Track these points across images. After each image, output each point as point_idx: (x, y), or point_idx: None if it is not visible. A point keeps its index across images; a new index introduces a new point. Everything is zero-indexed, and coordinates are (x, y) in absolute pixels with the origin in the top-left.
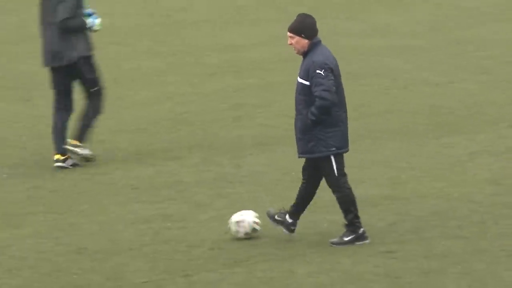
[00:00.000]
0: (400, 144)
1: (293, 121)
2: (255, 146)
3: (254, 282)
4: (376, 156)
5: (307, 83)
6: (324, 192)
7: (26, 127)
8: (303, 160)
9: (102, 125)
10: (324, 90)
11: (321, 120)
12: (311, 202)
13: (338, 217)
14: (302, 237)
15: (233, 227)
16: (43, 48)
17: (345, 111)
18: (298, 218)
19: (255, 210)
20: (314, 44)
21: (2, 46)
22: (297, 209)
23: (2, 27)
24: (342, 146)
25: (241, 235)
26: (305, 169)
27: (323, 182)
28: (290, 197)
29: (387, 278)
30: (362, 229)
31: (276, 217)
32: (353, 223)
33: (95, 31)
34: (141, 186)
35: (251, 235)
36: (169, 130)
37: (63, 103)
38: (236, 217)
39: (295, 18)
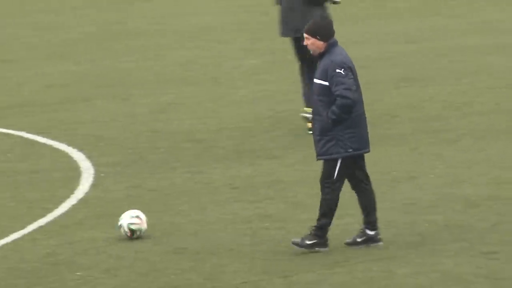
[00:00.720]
0: (504, 143)
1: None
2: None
3: (355, 283)
4: (479, 156)
5: (325, 83)
6: (422, 193)
7: (124, 126)
8: (405, 160)
9: (201, 123)
10: (345, 88)
11: (342, 120)
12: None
13: (438, 218)
14: (400, 238)
15: (122, 231)
16: (284, 19)
17: (364, 112)
18: (377, 227)
19: (351, 210)
20: (331, 45)
21: (98, 43)
22: (371, 218)
23: (98, 23)
24: (360, 147)
25: (129, 236)
26: (349, 176)
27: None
28: (389, 198)
29: (488, 280)
30: (326, 237)
31: (357, 239)
32: (322, 228)
33: (337, 3)
34: (240, 186)
35: (137, 235)
36: (269, 129)
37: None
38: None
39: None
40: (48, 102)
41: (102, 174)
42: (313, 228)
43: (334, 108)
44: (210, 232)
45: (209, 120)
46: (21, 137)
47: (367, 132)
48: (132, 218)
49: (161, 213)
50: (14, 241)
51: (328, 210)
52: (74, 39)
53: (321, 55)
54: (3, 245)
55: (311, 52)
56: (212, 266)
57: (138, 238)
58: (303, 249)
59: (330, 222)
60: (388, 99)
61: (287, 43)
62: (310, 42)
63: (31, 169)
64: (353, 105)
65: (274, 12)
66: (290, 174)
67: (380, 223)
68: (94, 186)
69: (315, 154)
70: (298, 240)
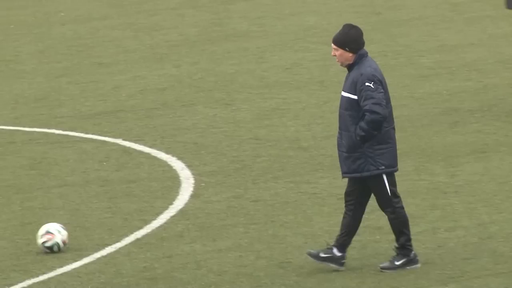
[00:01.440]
0: None
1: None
2: (471, 153)
3: None
4: None
5: (354, 97)
6: None
7: (226, 133)
8: None
9: (307, 130)
10: (375, 103)
11: (371, 136)
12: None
13: None
14: None
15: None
16: None
17: (394, 128)
18: (346, 251)
19: (464, 222)
20: (360, 56)
21: (198, 45)
22: (346, 241)
23: (197, 24)
24: (392, 164)
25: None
26: (350, 194)
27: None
28: (509, 209)
29: None
30: (413, 252)
31: (321, 254)
32: (404, 246)
33: None
34: None
35: (59, 249)
36: None
37: None
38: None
39: (340, 28)
40: (145, 107)
41: (203, 184)
42: (396, 248)
43: (362, 124)
44: (317, 245)
45: (315, 126)
46: (117, 145)
47: (396, 149)
48: (42, 237)
49: (265, 225)
50: (110, 254)
51: (401, 227)
52: (172, 41)
53: (350, 66)
54: (98, 259)
55: (339, 64)
56: (319, 281)
57: (64, 251)
58: (416, 264)
59: (409, 237)
60: None
61: (399, 46)
62: (338, 53)
63: (128, 178)
64: (383, 121)
65: (387, 13)
66: (402, 184)
67: (499, 236)
68: (194, 196)
69: (412, 165)
70: (386, 264)
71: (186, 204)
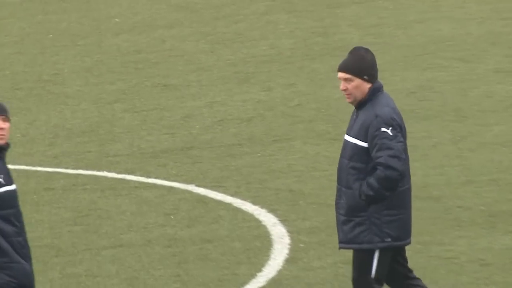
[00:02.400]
0: None
1: None
2: None
3: None
4: None
5: (363, 144)
6: None
7: (331, 177)
8: None
9: (438, 174)
10: (392, 156)
11: (382, 198)
12: None
13: None
14: None
15: None
16: None
17: (410, 188)
18: None
19: None
20: (375, 91)
21: (295, 62)
22: None
23: (294, 34)
24: (401, 236)
25: None
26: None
27: None
28: None
29: None
30: None
31: None
32: None
33: None
34: (493, 262)
35: None
36: None
37: None
38: None
39: (348, 54)
40: (225, 142)
41: (302, 245)
42: None
43: (372, 180)
44: None
45: (449, 169)
46: (189, 193)
47: (411, 216)
48: None
49: None
50: None
51: None
52: (261, 56)
53: (361, 104)
54: None
55: (349, 99)
56: None
57: None
58: None
59: None
60: None
61: None
62: (352, 85)
63: (202, 237)
64: (400, 179)
65: None
66: None
67: None
68: (289, 261)
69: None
70: None
71: (280, 272)
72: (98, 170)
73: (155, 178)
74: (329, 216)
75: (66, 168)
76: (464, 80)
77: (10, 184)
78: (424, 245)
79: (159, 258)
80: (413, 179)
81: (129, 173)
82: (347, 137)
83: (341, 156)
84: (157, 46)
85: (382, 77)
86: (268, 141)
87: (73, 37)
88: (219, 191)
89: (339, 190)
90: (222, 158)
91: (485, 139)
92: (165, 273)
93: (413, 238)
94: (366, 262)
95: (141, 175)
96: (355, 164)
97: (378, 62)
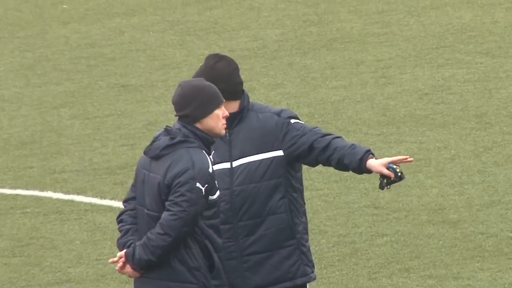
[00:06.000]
0: None
1: None
2: None
3: None
4: None
5: (276, 154)
6: None
7: (324, 198)
8: None
9: (456, 195)
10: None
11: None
12: None
13: None
14: None
15: None
16: None
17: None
18: None
19: None
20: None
21: (280, 57)
22: None
23: (280, 24)
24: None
25: None
26: None
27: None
28: None
29: None
30: None
31: None
32: None
33: None
34: None
35: None
36: None
37: None
38: None
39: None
40: None
41: None
42: None
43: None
44: None
45: (469, 188)
46: None
47: None
48: None
49: None
50: None
51: None
52: (241, 51)
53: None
54: None
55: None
56: None
57: None
58: None
59: None
60: None
61: None
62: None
63: None
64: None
65: None
66: None
67: None
68: None
69: None
70: None
71: None
72: (41, 189)
73: (111, 199)
74: (323, 246)
75: (2, 187)
76: (489, 79)
77: None
78: (437, 280)
79: None
80: (426, 199)
81: (78, 194)
82: (248, 158)
83: (248, 183)
84: (113, 38)
85: (388, 74)
86: None
87: (11, 28)
88: None
89: (243, 227)
90: None
91: None
92: None
93: (424, 272)
94: None
95: (94, 196)
96: (273, 181)
97: (384, 57)
